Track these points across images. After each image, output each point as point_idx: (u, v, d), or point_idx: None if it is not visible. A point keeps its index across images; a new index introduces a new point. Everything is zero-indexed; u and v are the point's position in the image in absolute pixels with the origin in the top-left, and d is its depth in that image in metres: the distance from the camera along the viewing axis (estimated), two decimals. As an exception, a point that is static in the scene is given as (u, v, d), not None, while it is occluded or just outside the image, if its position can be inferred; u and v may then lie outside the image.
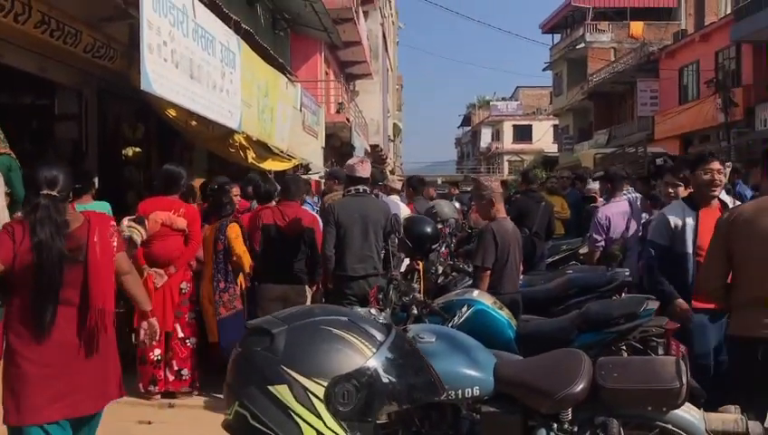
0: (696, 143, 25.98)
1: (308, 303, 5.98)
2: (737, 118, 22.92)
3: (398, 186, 9.17)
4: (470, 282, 5.94)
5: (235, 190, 6.97)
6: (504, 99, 69.43)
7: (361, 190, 5.66)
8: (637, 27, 36.82)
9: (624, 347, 4.45)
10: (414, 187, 9.34)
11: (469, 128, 76.87)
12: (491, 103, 68.69)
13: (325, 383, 1.97)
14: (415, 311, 4.02)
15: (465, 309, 4.31)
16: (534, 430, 3.13)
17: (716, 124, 23.71)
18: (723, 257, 3.54)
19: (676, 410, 3.01)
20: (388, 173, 24.25)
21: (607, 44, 37.99)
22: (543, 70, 45.77)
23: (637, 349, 4.47)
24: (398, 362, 2.07)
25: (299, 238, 5.90)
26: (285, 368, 1.98)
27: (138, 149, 9.60)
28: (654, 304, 4.34)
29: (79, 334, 3.25)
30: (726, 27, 23.66)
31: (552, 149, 49.47)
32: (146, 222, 5.26)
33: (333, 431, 1.98)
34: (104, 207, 5.63)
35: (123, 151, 9.46)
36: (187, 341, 5.79)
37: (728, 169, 6.50)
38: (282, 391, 1.97)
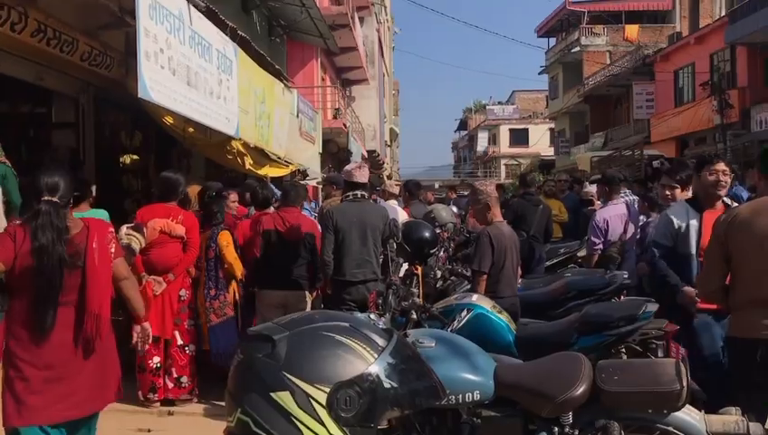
0: (693, 145, 26.06)
1: (308, 309, 5.97)
2: (733, 120, 22.98)
3: (396, 191, 9.17)
4: (469, 286, 5.94)
5: (233, 197, 6.98)
6: (500, 103, 69.53)
7: (359, 195, 5.67)
8: (632, 30, 36.89)
9: (623, 350, 4.45)
10: (410, 191, 9.35)
11: (466, 132, 76.94)
12: (487, 107, 68.78)
13: (327, 389, 1.97)
14: (414, 316, 4.01)
15: (464, 313, 4.31)
16: (535, 434, 3.13)
17: (712, 126, 23.77)
18: (721, 259, 3.56)
19: (676, 413, 3.02)
20: (385, 178, 24.26)
21: (602, 48, 38.10)
22: (539, 73, 45.86)
23: (636, 351, 4.48)
24: (400, 368, 2.07)
25: (299, 244, 5.90)
26: (287, 374, 1.98)
27: (135, 157, 9.60)
28: (653, 307, 4.35)
29: (77, 338, 3.30)
30: (721, 29, 23.73)
31: (548, 152, 49.55)
32: (144, 230, 5.26)
33: (335, 437, 1.98)
34: (102, 215, 5.61)
35: (121, 159, 9.46)
36: (186, 348, 5.78)
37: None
38: (284, 398, 1.97)
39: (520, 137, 60.00)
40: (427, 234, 5.44)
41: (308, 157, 12.64)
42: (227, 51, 7.24)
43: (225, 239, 5.96)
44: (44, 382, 3.25)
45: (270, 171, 9.51)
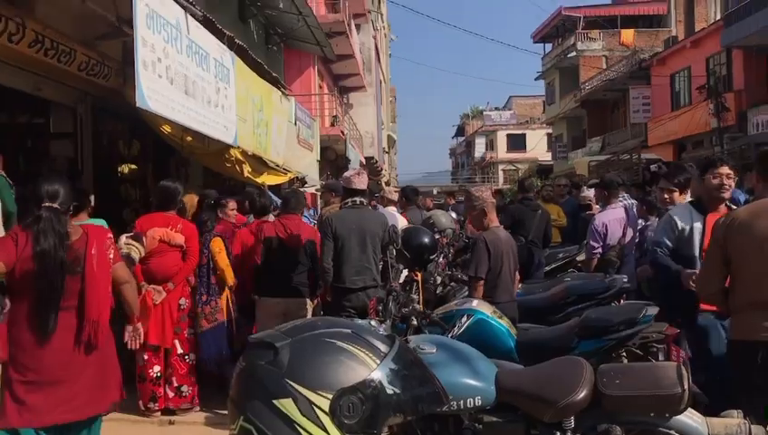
0: (690, 149, 26.11)
1: (309, 316, 5.97)
2: (730, 123, 23.04)
3: (395, 197, 9.17)
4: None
5: (232, 205, 7.00)
6: (497, 108, 69.64)
7: (358, 202, 5.68)
8: (627, 35, 37.04)
9: (624, 354, 4.45)
10: (407, 197, 9.35)
11: (463, 138, 77.03)
12: (484, 113, 68.91)
13: (330, 396, 1.97)
14: (414, 322, 4.02)
15: (464, 319, 4.31)
16: (537, 439, 3.13)
17: (709, 129, 23.83)
18: (720, 262, 3.56)
19: (678, 416, 3.01)
20: (384, 185, 24.26)
21: (598, 52, 38.21)
22: (536, 79, 46.04)
23: (637, 355, 4.47)
24: (403, 374, 2.07)
25: (300, 251, 5.91)
26: (290, 381, 1.98)
27: (133, 166, 9.60)
28: (653, 310, 4.35)
29: (77, 342, 3.36)
30: (716, 33, 23.82)
31: (546, 157, 49.63)
32: (144, 239, 5.26)
33: (338, 444, 1.98)
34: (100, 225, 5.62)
35: (119, 168, 9.46)
36: (187, 357, 5.77)
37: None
38: (287, 405, 1.97)
39: (517, 142, 60.06)
40: (426, 240, 5.45)
41: (306, 164, 12.64)
42: (225, 59, 7.25)
43: (218, 246, 6.00)
44: (44, 385, 3.31)
45: (268, 179, 9.51)
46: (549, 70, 42.87)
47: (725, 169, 4.39)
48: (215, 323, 5.91)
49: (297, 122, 11.65)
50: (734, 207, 4.49)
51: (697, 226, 4.36)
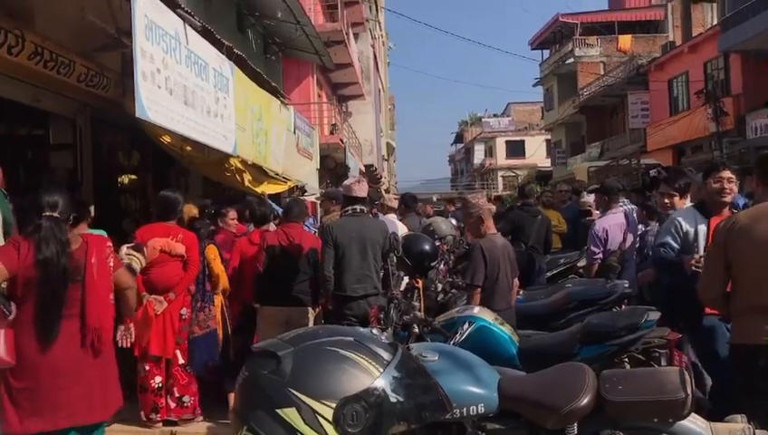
0: (689, 153, 26.13)
1: (310, 325, 5.96)
2: (728, 127, 23.06)
3: (395, 204, 9.17)
4: (470, 299, 5.93)
5: (232, 214, 7.00)
6: (495, 115, 69.71)
7: (359, 210, 5.67)
8: (625, 41, 37.15)
9: (626, 359, 4.44)
10: (406, 204, 9.36)
11: (462, 145, 77.07)
12: (483, 120, 68.93)
13: (333, 405, 1.96)
14: (416, 329, 4.00)
15: (466, 326, 4.30)
16: (541, 446, 3.12)
17: (708, 134, 23.85)
18: (721, 266, 3.56)
19: (681, 421, 3.00)
20: (383, 192, 24.27)
21: (596, 58, 38.28)
22: (534, 85, 46.08)
23: (639, 360, 4.46)
24: (406, 382, 2.06)
25: (303, 259, 5.90)
26: (293, 390, 1.97)
27: (133, 177, 9.61)
28: (655, 315, 4.34)
29: (78, 350, 3.44)
30: (714, 38, 23.86)
31: (545, 163, 49.65)
32: (144, 249, 5.26)
33: (342, 453, 1.97)
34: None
35: (119, 179, 9.46)
36: (188, 367, 5.76)
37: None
38: (290, 414, 1.96)
39: (516, 149, 60.11)
40: (427, 247, 5.44)
41: (306, 173, 12.66)
42: (224, 69, 7.27)
43: (212, 253, 6.02)
44: (46, 391, 3.36)
45: (268, 188, 9.51)
46: (547, 76, 42.94)
47: (727, 174, 4.41)
48: (207, 330, 5.91)
49: (296, 131, 11.67)
50: (733, 210, 4.50)
51: (702, 228, 4.36)
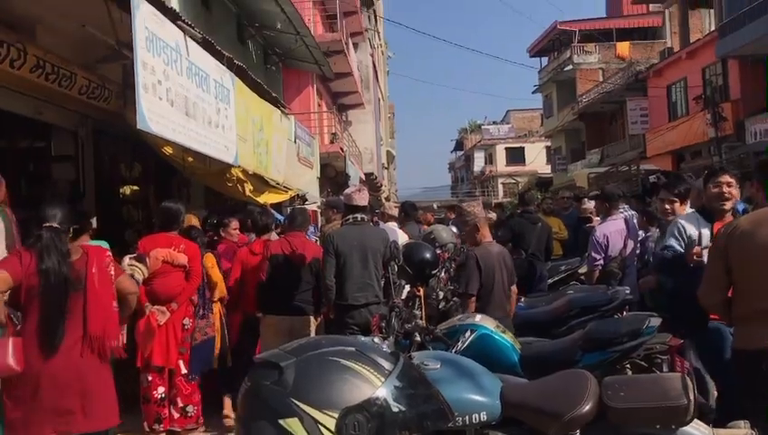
0: (689, 159, 26.13)
1: (312, 334, 5.97)
2: (728, 132, 23.07)
3: (395, 212, 9.19)
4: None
5: (234, 224, 7.02)
6: (495, 122, 69.78)
7: (359, 219, 5.69)
8: (623, 47, 37.25)
9: (628, 365, 4.44)
10: (406, 212, 9.37)
11: (462, 152, 77.13)
12: (482, 127, 68.99)
13: (336, 415, 1.97)
14: (418, 338, 4.01)
15: (468, 334, 4.31)
16: (543, 454, 3.11)
17: (707, 139, 23.86)
18: (722, 271, 3.56)
19: (684, 428, 3.00)
20: (384, 200, 24.29)
21: (594, 65, 38.36)
22: (533, 93, 46.14)
23: (641, 367, 4.46)
24: (408, 391, 2.07)
25: (306, 269, 5.91)
26: (295, 401, 1.98)
27: (135, 188, 9.63)
28: (656, 321, 4.34)
29: (79, 358, 3.50)
30: (711, 44, 23.91)
31: (545, 170, 49.67)
32: (147, 260, 5.27)
33: (345, 462, 1.98)
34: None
35: (121, 190, 9.48)
36: (191, 377, 5.76)
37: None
38: (293, 425, 1.97)
39: (516, 156, 60.14)
40: (428, 255, 5.44)
41: (306, 181, 12.69)
42: (224, 80, 7.29)
43: (210, 261, 6.05)
44: (46, 399, 3.42)
45: (269, 198, 9.53)
46: (546, 83, 43.01)
47: (726, 178, 4.39)
48: (205, 338, 5.95)
49: (297, 140, 11.71)
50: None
51: (705, 232, 4.34)
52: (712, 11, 27.32)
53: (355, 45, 26.45)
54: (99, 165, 8.59)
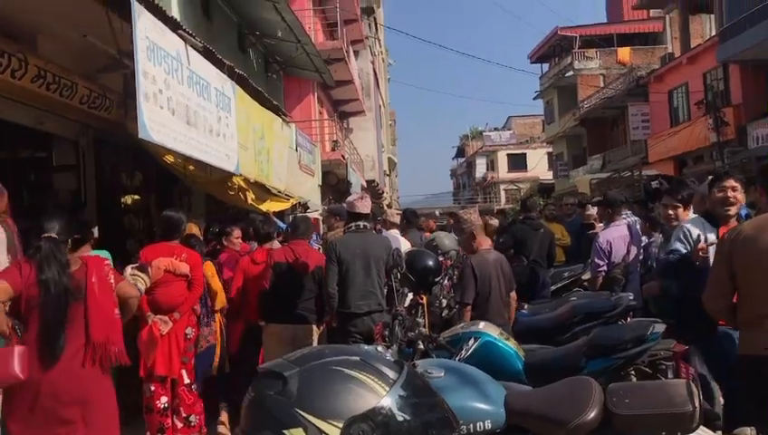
0: (691, 164, 26.12)
1: (315, 342, 5.95)
2: (729, 137, 23.07)
3: (398, 220, 9.18)
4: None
5: (237, 233, 7.02)
6: (496, 129, 69.86)
7: (362, 226, 5.68)
8: (624, 53, 37.28)
9: (633, 372, 4.42)
10: (407, 219, 9.36)
11: (463, 159, 77.20)
12: (484, 134, 69.11)
13: (340, 425, 1.96)
14: (421, 346, 3.99)
15: (471, 342, 4.30)
16: (548, 461, 3.09)
17: (709, 144, 23.85)
18: (726, 277, 3.54)
19: None
20: (385, 207, 24.28)
21: (595, 71, 38.39)
22: (534, 99, 46.17)
23: (646, 373, 4.44)
24: (412, 400, 2.06)
25: (309, 277, 5.90)
26: (299, 411, 1.97)
27: (136, 197, 9.63)
28: (660, 327, 4.32)
29: (80, 367, 3.55)
30: (712, 49, 23.94)
31: (547, 176, 49.69)
32: (149, 269, 5.26)
33: (349, 472, 1.96)
34: (104, 256, 5.63)
35: (122, 199, 9.48)
36: (194, 386, 5.75)
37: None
38: (297, 435, 1.96)
39: (518, 162, 60.17)
40: (430, 262, 5.44)
41: (308, 189, 12.71)
42: (225, 89, 7.31)
43: (210, 270, 6.05)
44: (46, 408, 3.45)
45: (271, 206, 9.54)
46: (547, 89, 43.06)
47: (731, 183, 4.36)
48: (207, 346, 5.97)
49: (298, 148, 11.73)
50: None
51: (711, 236, 4.32)
52: (712, 16, 27.36)
53: (356, 53, 26.52)
54: (100, 174, 8.59)
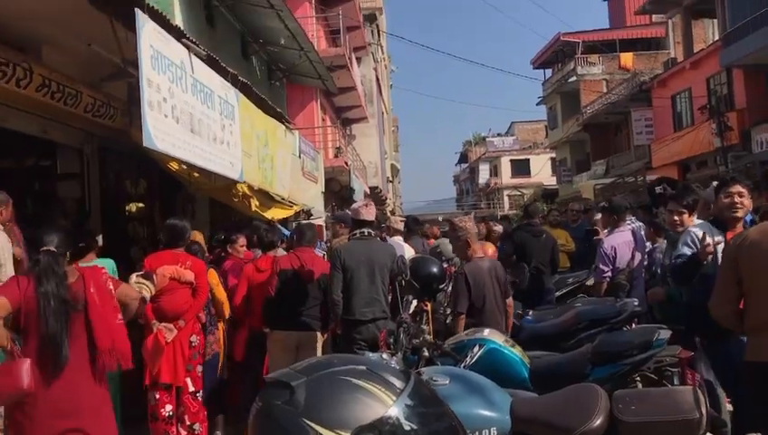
0: (694, 169, 26.06)
1: (319, 349, 5.94)
2: (733, 142, 23.02)
3: (401, 226, 9.18)
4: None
5: (242, 241, 7.02)
6: (499, 135, 69.87)
7: (366, 233, 5.67)
8: (626, 58, 37.28)
9: (638, 378, 4.40)
10: (409, 227, 9.36)
11: (467, 165, 77.20)
12: (487, 139, 69.10)
13: (348, 435, 1.95)
14: (426, 353, 3.99)
15: (476, 349, 4.28)
16: (555, 469, 3.08)
17: (713, 149, 23.81)
18: (733, 282, 3.53)
19: (697, 442, 2.97)
20: (389, 214, 24.29)
21: (598, 76, 38.38)
22: (537, 104, 46.15)
23: (651, 380, 4.42)
24: (419, 409, 2.06)
25: (314, 284, 5.90)
26: (307, 421, 1.97)
27: (140, 204, 9.66)
28: (666, 334, 4.30)
29: (81, 378, 3.59)
30: (715, 53, 23.93)
31: (551, 181, 49.63)
32: (154, 277, 5.26)
33: (357, 482, 1.96)
34: (108, 265, 5.65)
35: (126, 207, 9.51)
36: (198, 394, 5.74)
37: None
38: (304, 445, 1.95)
39: (521, 167, 60.13)
40: (435, 269, 5.44)
41: (311, 196, 12.73)
42: (229, 96, 7.33)
43: (214, 279, 6.04)
44: (48, 420, 3.47)
45: (275, 213, 9.55)
46: (550, 95, 43.06)
47: (737, 188, 4.35)
48: (211, 354, 5.97)
49: (301, 155, 11.76)
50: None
51: (719, 239, 4.31)
52: (715, 21, 27.35)
53: (358, 60, 26.57)
54: (104, 182, 8.62)
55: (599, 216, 9.49)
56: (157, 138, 5.29)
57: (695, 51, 28.02)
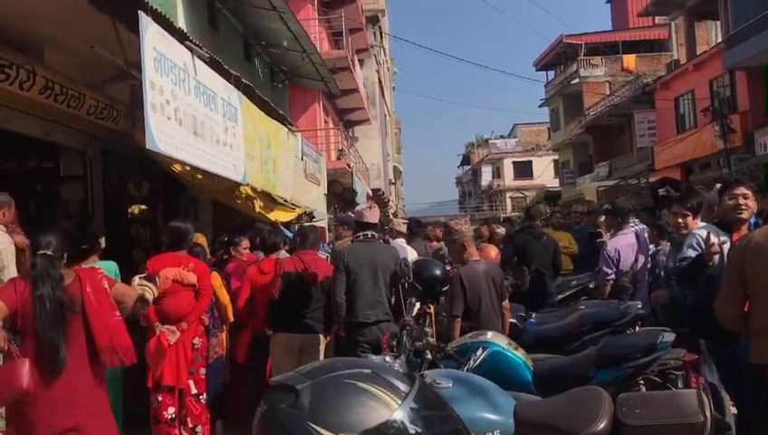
0: (697, 171, 26.03)
1: (322, 352, 5.94)
2: (737, 144, 22.98)
3: (404, 229, 9.17)
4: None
5: (245, 243, 7.02)
6: (502, 137, 69.84)
7: (370, 236, 5.67)
8: (629, 60, 37.25)
9: (642, 381, 4.39)
10: (411, 229, 9.35)
11: (469, 167, 77.19)
12: (489, 142, 69.09)
13: (353, 438, 1.95)
14: (429, 356, 3.98)
15: (480, 352, 4.27)
16: (559, 472, 3.07)
17: (716, 151, 23.77)
18: (737, 284, 3.53)
19: (701, 445, 2.96)
20: (391, 216, 24.29)
21: (601, 78, 38.36)
22: (540, 106, 46.13)
23: (655, 383, 4.41)
24: (424, 413, 2.05)
25: (317, 287, 5.89)
26: (312, 424, 1.96)
27: (143, 207, 9.66)
28: (670, 336, 4.29)
29: (79, 379, 3.62)
30: (718, 55, 23.89)
31: (553, 183, 49.61)
32: (157, 279, 5.26)
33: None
34: (111, 267, 5.66)
35: (129, 209, 9.51)
36: (201, 397, 5.73)
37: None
38: (309, 448, 1.94)
39: (524, 169, 60.09)
40: (438, 272, 5.42)
41: (314, 198, 12.72)
42: (232, 99, 7.33)
43: (217, 282, 6.04)
44: (47, 421, 3.50)
45: (279, 215, 9.55)
46: (552, 97, 43.03)
47: (741, 190, 4.34)
48: (215, 357, 5.99)
49: (304, 157, 11.76)
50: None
51: (724, 239, 4.29)
52: (718, 23, 27.31)
53: (361, 62, 26.59)
54: (107, 184, 8.62)
55: (602, 218, 9.46)
56: (160, 140, 5.29)
57: (698, 53, 27.98)
